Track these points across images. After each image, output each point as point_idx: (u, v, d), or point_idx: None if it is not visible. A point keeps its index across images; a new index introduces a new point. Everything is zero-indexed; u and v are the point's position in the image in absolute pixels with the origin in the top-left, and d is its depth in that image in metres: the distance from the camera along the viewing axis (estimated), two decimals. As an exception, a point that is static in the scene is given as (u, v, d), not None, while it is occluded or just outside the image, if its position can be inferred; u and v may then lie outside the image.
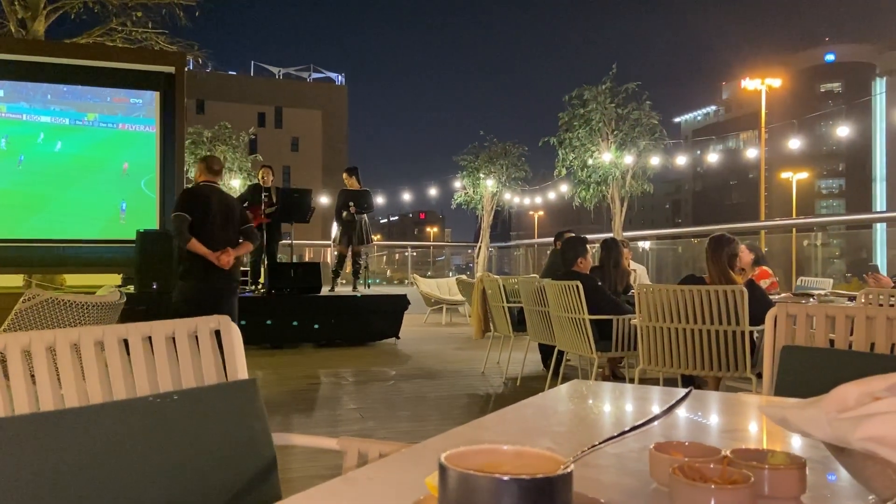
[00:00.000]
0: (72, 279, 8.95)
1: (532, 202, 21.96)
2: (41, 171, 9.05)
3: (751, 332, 3.90)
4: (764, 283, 5.39)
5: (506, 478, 0.53)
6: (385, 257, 24.46)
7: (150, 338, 1.31)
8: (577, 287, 4.72)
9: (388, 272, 23.48)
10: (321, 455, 3.54)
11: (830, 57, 75.20)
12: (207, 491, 1.18)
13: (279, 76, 53.43)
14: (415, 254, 22.01)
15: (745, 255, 5.70)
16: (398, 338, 9.09)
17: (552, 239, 7.96)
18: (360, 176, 9.77)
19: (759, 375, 3.83)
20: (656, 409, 1.29)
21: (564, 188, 15.74)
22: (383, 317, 8.97)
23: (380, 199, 25.28)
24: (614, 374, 6.03)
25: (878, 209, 57.89)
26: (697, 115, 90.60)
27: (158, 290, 8.13)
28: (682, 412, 1.20)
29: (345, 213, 9.56)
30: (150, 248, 8.15)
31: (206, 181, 5.12)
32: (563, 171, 13.72)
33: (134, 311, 5.89)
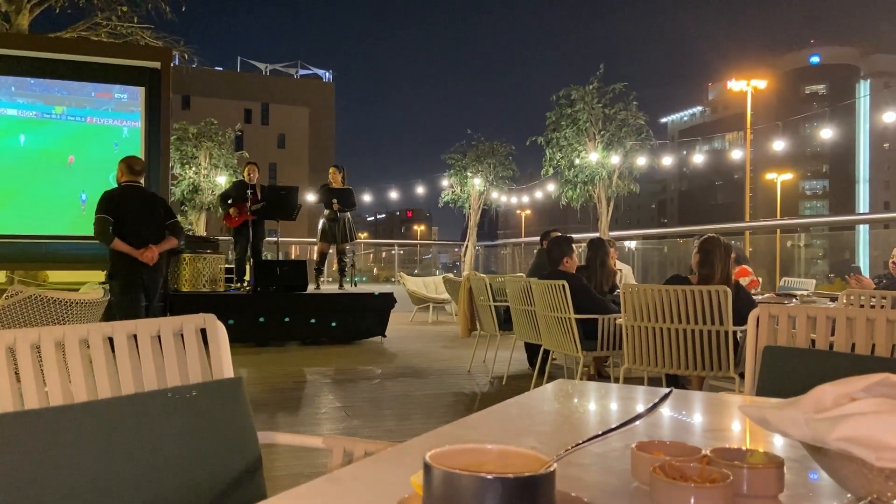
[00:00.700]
0: (55, 276, 8.87)
1: (519, 201, 21.99)
2: (7, 164, 8.93)
3: (734, 332, 3.93)
4: (744, 282, 5.44)
5: (490, 477, 0.53)
6: (372, 255, 24.43)
7: (135, 336, 1.30)
8: (564, 286, 4.74)
9: (375, 270, 23.45)
10: (306, 453, 3.54)
11: (815, 59, 75.84)
12: (193, 489, 1.18)
13: (266, 72, 53.21)
14: (402, 252, 21.99)
15: (729, 255, 5.76)
16: (384, 336, 9.08)
17: (539, 238, 7.98)
18: (345, 175, 9.80)
19: (742, 375, 3.87)
20: (640, 409, 1.30)
21: (551, 187, 15.78)
22: (370, 315, 8.97)
23: (367, 197, 25.26)
24: (599, 373, 6.06)
25: (861, 210, 58.52)
26: (684, 115, 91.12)
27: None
28: (664, 411, 1.21)
29: (327, 212, 9.57)
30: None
31: (127, 181, 5.37)
32: (550, 171, 13.77)
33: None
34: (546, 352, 5.42)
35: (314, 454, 3.54)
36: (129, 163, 5.41)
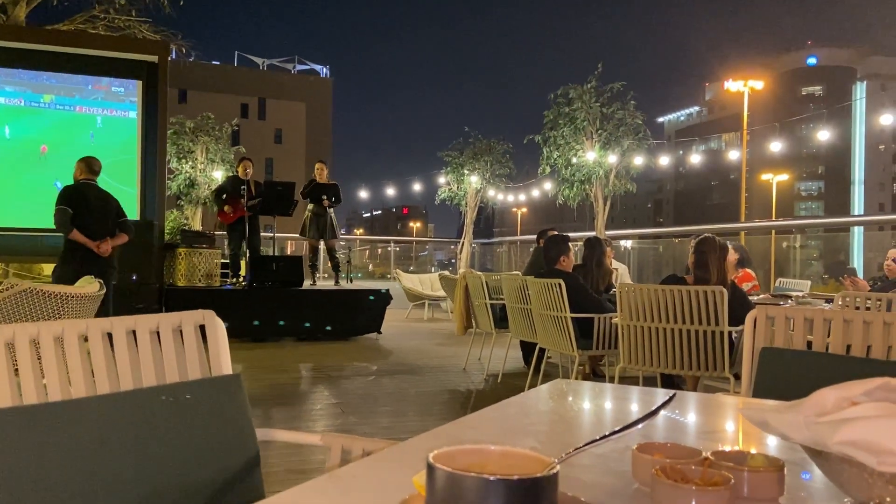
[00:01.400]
0: (50, 269, 8.84)
1: (516, 199, 21.98)
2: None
3: (730, 333, 3.94)
4: (746, 286, 5.44)
5: (493, 478, 0.54)
6: (367, 252, 24.41)
7: (133, 332, 1.30)
8: (560, 285, 4.74)
9: (371, 267, 23.44)
10: (300, 449, 3.54)
11: (812, 60, 75.99)
12: (191, 485, 1.18)
13: (263, 67, 53.03)
14: (397, 249, 22.00)
15: (731, 256, 5.76)
16: (380, 333, 9.08)
17: (535, 236, 7.99)
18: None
19: (737, 376, 3.88)
20: (637, 409, 1.31)
21: (548, 186, 15.77)
22: (365, 311, 8.96)
23: (363, 194, 25.23)
24: (595, 371, 6.07)
25: (856, 212, 58.71)
26: (681, 115, 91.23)
27: (138, 282, 8.08)
28: (662, 412, 1.21)
29: (313, 206, 9.59)
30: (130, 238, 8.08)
31: (85, 179, 5.81)
32: (547, 169, 13.76)
33: (113, 302, 5.87)
34: (542, 350, 5.43)
35: (309, 450, 3.54)
36: (88, 162, 5.85)
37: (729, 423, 1.25)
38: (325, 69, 55.48)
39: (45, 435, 1.04)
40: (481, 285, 6.39)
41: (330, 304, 8.82)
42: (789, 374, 1.64)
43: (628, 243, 16.26)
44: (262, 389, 5.56)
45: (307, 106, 51.09)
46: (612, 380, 4.90)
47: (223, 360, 1.37)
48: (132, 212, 8.93)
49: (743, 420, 1.19)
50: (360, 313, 8.92)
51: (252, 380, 5.94)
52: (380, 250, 24.23)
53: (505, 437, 1.07)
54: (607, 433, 1.03)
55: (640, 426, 1.11)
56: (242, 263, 9.28)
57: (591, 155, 12.89)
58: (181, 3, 14.34)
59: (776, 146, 23.30)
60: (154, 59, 9.20)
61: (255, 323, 8.31)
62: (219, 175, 17.49)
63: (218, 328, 1.38)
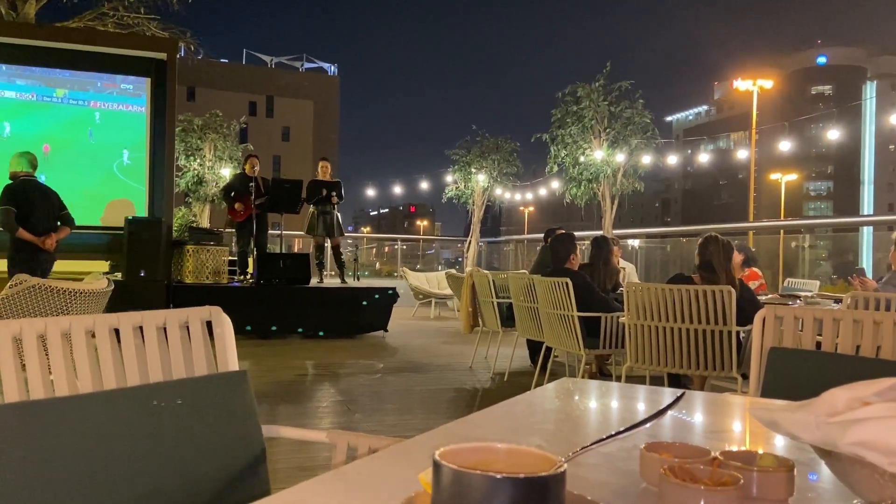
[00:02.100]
0: (58, 265, 8.87)
1: (523, 198, 21.99)
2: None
3: (737, 333, 3.93)
4: (752, 285, 5.42)
5: (499, 476, 0.53)
6: (374, 250, 24.44)
7: (140, 327, 1.30)
8: (567, 284, 4.73)
9: (378, 265, 23.47)
10: (305, 446, 3.54)
11: (822, 59, 75.59)
12: (197, 481, 1.18)
13: (271, 65, 53.12)
14: (404, 247, 22.03)
15: (736, 256, 5.74)
16: (386, 331, 9.08)
17: (542, 235, 7.97)
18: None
19: (745, 375, 3.87)
20: (644, 408, 1.30)
21: (555, 185, 15.75)
22: (372, 309, 8.96)
23: (370, 191, 25.26)
24: (601, 371, 6.06)
25: (865, 212, 58.39)
26: (689, 114, 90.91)
27: (146, 278, 8.11)
28: (670, 412, 1.21)
29: (314, 205, 9.61)
30: (139, 235, 8.11)
31: (26, 175, 5.89)
32: (555, 168, 13.74)
33: (121, 298, 5.90)
34: (548, 349, 5.42)
35: (314, 447, 3.54)
36: (28, 158, 5.93)
37: (737, 422, 1.24)
38: (332, 67, 55.56)
39: (51, 430, 1.04)
40: (488, 284, 6.38)
41: (336, 301, 8.83)
42: (798, 375, 1.63)
43: (636, 242, 16.23)
44: (269, 386, 5.57)
45: (315, 104, 51.16)
46: (618, 379, 4.89)
47: (230, 357, 1.37)
48: (141, 209, 8.97)
49: (751, 420, 1.18)
50: (366, 311, 8.93)
51: (258, 376, 5.95)
52: (387, 248, 24.26)
53: (511, 435, 1.07)
54: (615, 432, 1.02)
55: (647, 425, 1.10)
56: (250, 261, 9.31)
57: (598, 154, 12.87)
58: (189, 0, 14.37)
59: (785, 145, 23.20)
60: (163, 56, 9.21)
61: (262, 320, 8.33)
62: (227, 172, 17.55)
63: (225, 324, 1.38)
